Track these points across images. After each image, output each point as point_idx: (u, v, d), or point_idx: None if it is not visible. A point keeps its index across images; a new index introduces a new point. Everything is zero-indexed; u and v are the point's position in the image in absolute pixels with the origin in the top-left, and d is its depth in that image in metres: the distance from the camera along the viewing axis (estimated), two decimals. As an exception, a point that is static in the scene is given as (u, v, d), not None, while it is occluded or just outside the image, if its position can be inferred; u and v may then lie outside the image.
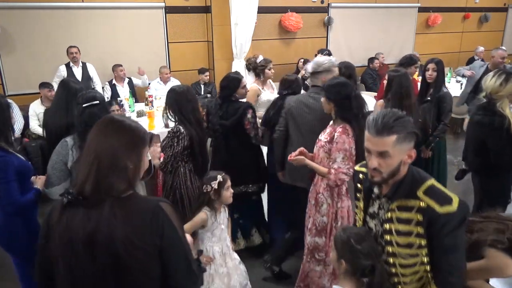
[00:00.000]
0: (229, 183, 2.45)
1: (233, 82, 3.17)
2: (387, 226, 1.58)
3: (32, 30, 5.71)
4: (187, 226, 2.28)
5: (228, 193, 2.45)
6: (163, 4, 6.48)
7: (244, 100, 3.42)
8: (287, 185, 3.05)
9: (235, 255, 2.61)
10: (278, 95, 3.42)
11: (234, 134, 3.13)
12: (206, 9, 6.68)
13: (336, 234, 1.74)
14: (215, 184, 2.38)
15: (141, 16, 6.39)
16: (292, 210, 3.08)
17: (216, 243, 2.47)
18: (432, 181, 1.53)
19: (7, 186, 2.18)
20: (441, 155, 3.90)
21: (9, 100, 2.43)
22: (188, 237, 1.58)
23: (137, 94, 6.20)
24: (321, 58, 2.91)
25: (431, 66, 3.69)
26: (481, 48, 8.54)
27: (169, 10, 6.54)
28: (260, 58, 4.01)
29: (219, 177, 2.40)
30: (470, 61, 8.72)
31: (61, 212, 1.26)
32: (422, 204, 1.48)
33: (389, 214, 1.57)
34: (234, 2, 6.15)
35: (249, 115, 3.11)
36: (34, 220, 2.45)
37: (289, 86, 3.32)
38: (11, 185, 2.19)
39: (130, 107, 5.42)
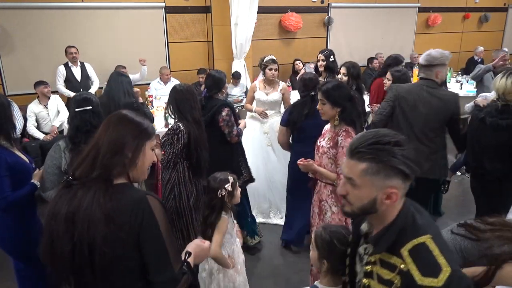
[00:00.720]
0: (237, 181, 2.40)
1: (219, 81, 3.25)
2: (365, 281, 1.26)
3: (32, 30, 5.71)
4: (218, 239, 2.20)
5: (238, 192, 2.37)
6: (163, 4, 6.48)
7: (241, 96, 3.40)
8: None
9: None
10: (303, 96, 3.26)
11: (209, 131, 3.08)
12: (206, 9, 6.68)
13: (316, 232, 1.70)
14: (229, 187, 2.27)
15: (141, 16, 6.39)
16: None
17: (234, 242, 2.40)
18: (426, 238, 1.15)
19: None
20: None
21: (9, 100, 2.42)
22: (207, 243, 1.60)
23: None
24: (435, 51, 2.87)
25: None
26: (481, 48, 8.53)
27: (169, 10, 6.54)
28: (269, 57, 4.02)
29: (231, 178, 2.30)
30: (470, 61, 8.73)
31: (58, 192, 1.33)
32: (402, 266, 1.14)
33: (368, 267, 1.25)
34: (234, 2, 6.16)
35: (223, 113, 3.13)
36: (32, 217, 2.43)
37: (314, 86, 3.17)
38: (2, 181, 2.18)
39: (130, 107, 5.43)
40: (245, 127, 3.52)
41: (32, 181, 2.33)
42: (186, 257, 1.41)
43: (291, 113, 3.24)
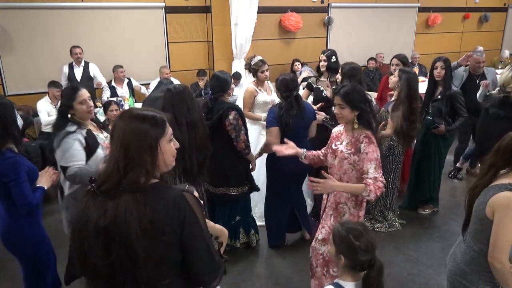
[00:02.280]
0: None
1: (223, 81, 3.18)
2: None
3: (32, 30, 5.71)
4: None
5: None
6: (163, 4, 6.48)
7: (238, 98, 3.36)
8: None
9: None
10: (285, 97, 3.22)
11: (215, 135, 3.06)
12: (206, 9, 6.68)
13: (334, 228, 1.75)
14: None
15: (141, 16, 6.39)
16: None
17: None
18: None
19: (21, 187, 2.17)
20: (443, 153, 3.95)
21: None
22: (219, 226, 1.61)
23: (136, 95, 6.17)
24: None
25: (439, 64, 3.72)
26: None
27: (169, 10, 6.54)
28: (256, 59, 3.90)
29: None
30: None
31: (83, 199, 1.30)
32: None
33: None
34: (234, 2, 6.16)
35: (230, 116, 3.06)
36: (39, 221, 2.44)
37: (295, 86, 3.22)
38: (24, 186, 2.18)
39: (130, 107, 5.43)
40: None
41: (40, 185, 2.33)
42: (219, 246, 1.47)
43: (281, 115, 3.18)
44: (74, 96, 2.40)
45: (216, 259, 1.35)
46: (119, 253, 1.22)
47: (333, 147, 2.50)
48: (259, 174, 3.77)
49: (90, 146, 2.40)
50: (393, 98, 3.61)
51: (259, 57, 3.94)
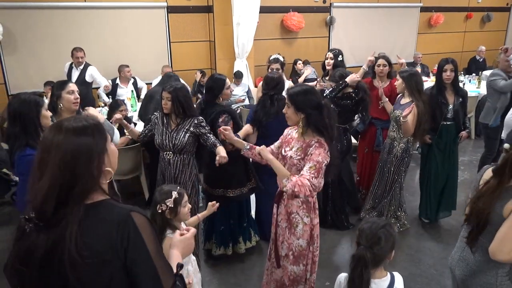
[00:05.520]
0: (186, 198, 2.15)
1: (217, 83, 3.13)
2: None
3: (35, 29, 5.73)
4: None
5: (185, 210, 2.13)
6: (165, 4, 6.49)
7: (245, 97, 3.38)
8: None
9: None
10: (263, 95, 3.32)
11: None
12: (208, 9, 6.68)
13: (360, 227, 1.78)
14: (170, 202, 2.05)
15: (144, 15, 6.40)
16: None
17: (188, 262, 2.15)
18: None
19: (27, 185, 2.17)
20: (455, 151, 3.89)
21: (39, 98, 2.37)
22: (190, 231, 1.46)
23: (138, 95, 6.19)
24: None
25: (448, 67, 3.56)
26: (482, 48, 8.55)
27: (171, 10, 6.55)
28: (274, 56, 4.08)
29: (174, 193, 2.07)
30: (472, 60, 8.73)
31: (16, 237, 1.17)
32: None
33: None
34: (236, 2, 6.16)
35: (220, 119, 3.04)
36: None
37: (275, 85, 3.27)
38: None
39: (132, 107, 5.43)
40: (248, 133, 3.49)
41: None
42: (179, 270, 1.30)
43: (255, 112, 3.28)
44: (64, 86, 2.61)
45: (163, 285, 1.20)
46: (58, 284, 1.12)
47: (283, 153, 2.40)
48: None
49: None
50: (406, 101, 3.52)
51: (275, 55, 4.13)
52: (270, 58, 4.10)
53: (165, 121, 2.90)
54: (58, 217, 1.11)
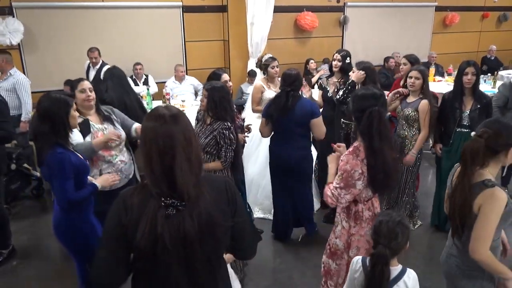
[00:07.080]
0: None
1: (213, 76, 3.34)
2: None
3: (54, 29, 5.89)
4: None
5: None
6: (180, 4, 6.59)
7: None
8: None
9: None
10: (280, 91, 3.36)
11: None
12: (223, 8, 6.76)
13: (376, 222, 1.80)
14: None
15: (159, 15, 6.52)
16: None
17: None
18: None
19: (62, 183, 2.21)
20: None
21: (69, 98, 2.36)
22: None
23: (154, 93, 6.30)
24: None
25: (470, 70, 3.35)
26: (493, 47, 8.52)
27: (186, 9, 6.65)
28: (267, 57, 4.12)
29: None
30: (483, 59, 8.69)
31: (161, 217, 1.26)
32: None
33: None
34: (250, 1, 6.23)
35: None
36: (90, 216, 2.44)
37: (292, 82, 3.29)
38: (66, 182, 2.21)
39: (147, 104, 5.53)
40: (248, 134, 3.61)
41: (94, 182, 2.40)
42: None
43: (269, 106, 3.37)
44: (77, 85, 2.73)
45: (256, 243, 1.49)
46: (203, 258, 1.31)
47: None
48: (266, 168, 3.86)
49: (81, 133, 2.66)
50: (413, 99, 3.53)
51: (270, 55, 4.17)
52: (265, 59, 4.10)
53: (203, 117, 3.01)
54: (193, 193, 1.26)
